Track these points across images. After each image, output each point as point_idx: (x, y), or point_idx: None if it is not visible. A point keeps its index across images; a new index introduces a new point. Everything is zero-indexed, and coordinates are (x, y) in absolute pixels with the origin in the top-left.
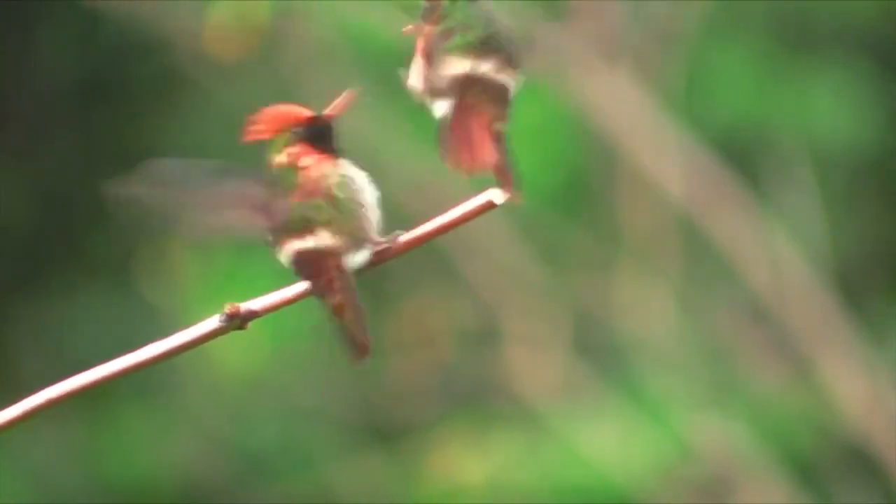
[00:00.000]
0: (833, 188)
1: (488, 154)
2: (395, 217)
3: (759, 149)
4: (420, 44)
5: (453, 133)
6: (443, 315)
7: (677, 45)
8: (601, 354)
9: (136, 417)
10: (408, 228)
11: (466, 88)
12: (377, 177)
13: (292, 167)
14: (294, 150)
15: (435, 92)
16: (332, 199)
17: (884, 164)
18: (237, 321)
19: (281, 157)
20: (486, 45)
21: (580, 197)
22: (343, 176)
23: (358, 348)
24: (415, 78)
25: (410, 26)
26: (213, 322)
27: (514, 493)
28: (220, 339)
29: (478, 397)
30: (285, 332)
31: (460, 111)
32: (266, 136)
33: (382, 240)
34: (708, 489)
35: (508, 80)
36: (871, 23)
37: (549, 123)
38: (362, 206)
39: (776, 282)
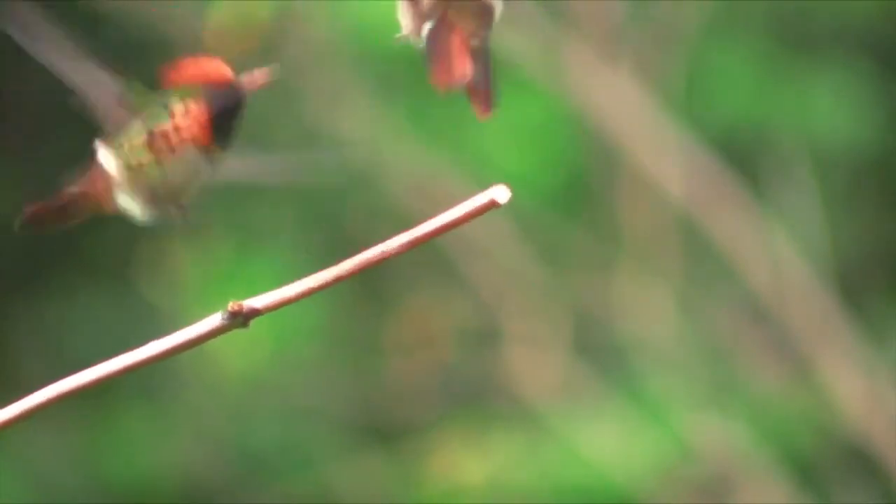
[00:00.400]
0: (833, 188)
1: (463, 69)
2: (396, 217)
3: (759, 149)
4: None
5: (430, 49)
6: (443, 315)
7: (677, 45)
8: (601, 354)
9: (136, 417)
10: (408, 228)
11: (447, 4)
12: (378, 176)
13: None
14: (187, 110)
15: (423, 20)
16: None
17: (884, 164)
18: (240, 319)
19: (172, 108)
20: None
21: (580, 197)
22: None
23: None
24: (404, 22)
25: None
26: (215, 320)
27: (514, 493)
28: (221, 338)
29: (478, 397)
30: (286, 332)
31: (438, 27)
32: (180, 83)
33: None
34: (708, 489)
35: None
36: (871, 23)
37: (549, 123)
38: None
39: (776, 282)
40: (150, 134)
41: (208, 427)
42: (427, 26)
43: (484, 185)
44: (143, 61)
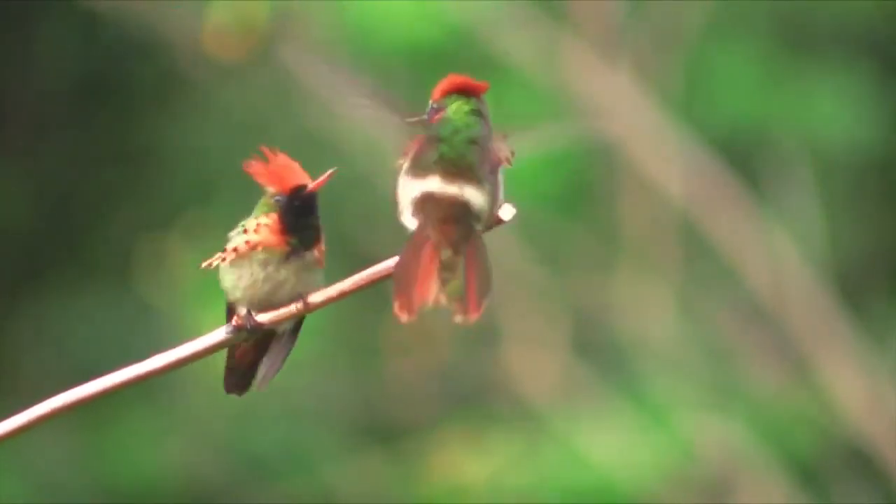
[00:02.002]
0: (833, 188)
1: (424, 296)
2: (396, 223)
3: (760, 149)
4: (409, 149)
5: (400, 275)
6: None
7: (677, 45)
8: (601, 354)
9: (139, 419)
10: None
11: (427, 209)
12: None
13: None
14: (268, 220)
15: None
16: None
17: (885, 164)
18: (243, 333)
19: (249, 223)
20: (459, 164)
21: (580, 197)
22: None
23: (238, 383)
24: (400, 194)
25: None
26: (219, 333)
27: (513, 493)
28: None
29: (478, 398)
30: None
31: (409, 249)
32: (260, 181)
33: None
34: (708, 489)
35: (461, 191)
36: (871, 23)
37: (549, 123)
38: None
39: (776, 282)
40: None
41: (209, 428)
42: (408, 222)
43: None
44: (143, 61)
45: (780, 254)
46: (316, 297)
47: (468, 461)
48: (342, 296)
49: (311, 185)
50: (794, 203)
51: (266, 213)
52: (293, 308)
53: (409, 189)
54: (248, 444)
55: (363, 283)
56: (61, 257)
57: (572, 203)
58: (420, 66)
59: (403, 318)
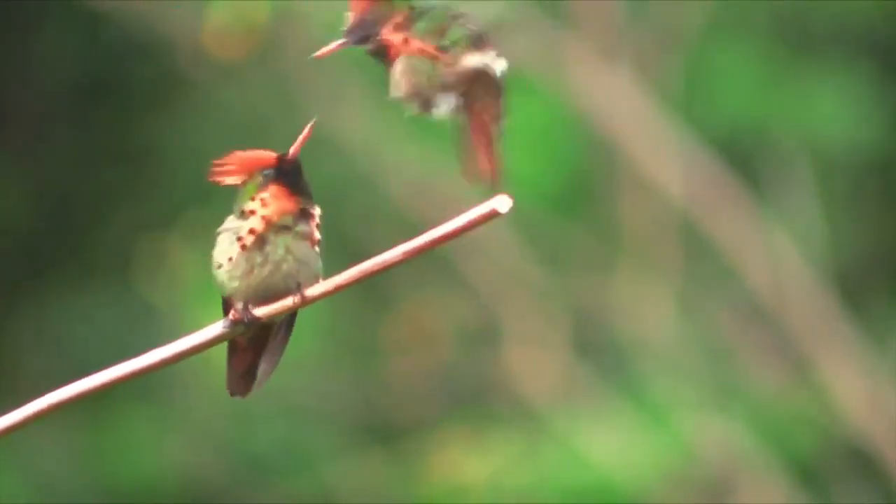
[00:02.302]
0: (833, 188)
1: (496, 163)
2: (399, 222)
3: (760, 149)
4: (398, 47)
5: (468, 147)
6: (443, 315)
7: (677, 45)
8: (601, 355)
9: (138, 419)
10: (408, 231)
11: (475, 83)
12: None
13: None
14: (272, 192)
15: (433, 91)
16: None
17: (884, 164)
18: (240, 327)
19: (257, 197)
20: (479, 39)
21: (580, 197)
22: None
23: (241, 384)
24: (399, 83)
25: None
26: (216, 328)
27: (514, 493)
28: None
29: (478, 398)
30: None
31: (471, 119)
32: (235, 179)
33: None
34: (708, 489)
35: (503, 69)
36: (871, 23)
37: (550, 124)
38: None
39: (776, 282)
40: (240, 238)
41: (209, 428)
42: (447, 103)
43: (484, 187)
44: (143, 61)
45: (780, 254)
46: (313, 291)
47: (468, 461)
48: (338, 289)
49: (291, 150)
50: (794, 203)
51: (259, 190)
52: (290, 301)
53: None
54: (248, 444)
55: (359, 276)
56: (61, 257)
57: (572, 203)
58: None
59: (475, 181)
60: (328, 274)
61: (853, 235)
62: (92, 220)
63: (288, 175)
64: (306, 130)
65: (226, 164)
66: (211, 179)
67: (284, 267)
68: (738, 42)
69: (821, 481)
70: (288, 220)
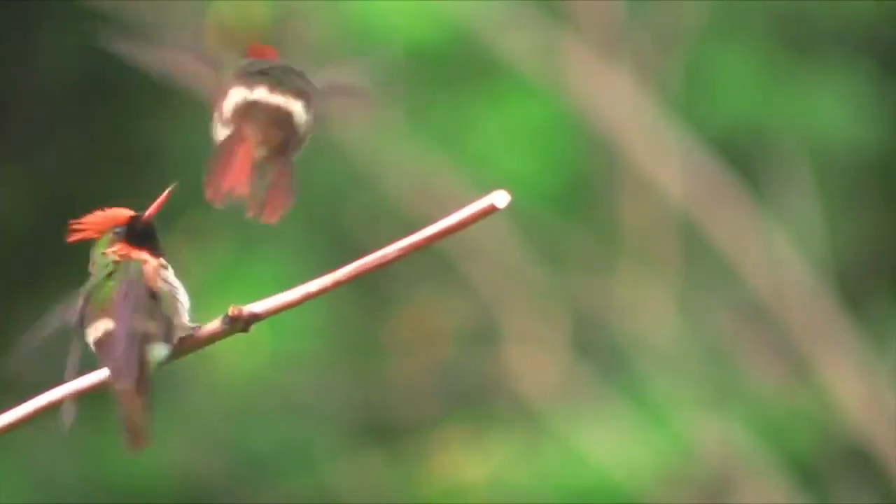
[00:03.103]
0: (833, 188)
1: (236, 182)
2: (396, 217)
3: (760, 149)
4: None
5: (213, 163)
6: (443, 315)
7: (677, 45)
8: (601, 355)
9: None
10: (408, 229)
11: (243, 114)
12: (377, 179)
13: (117, 259)
14: (117, 248)
15: (223, 124)
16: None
17: (884, 164)
18: (240, 324)
19: (108, 251)
20: (262, 75)
21: (580, 197)
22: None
23: (136, 437)
24: (216, 120)
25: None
26: (215, 325)
27: (514, 492)
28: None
29: (478, 397)
30: (286, 332)
31: (227, 140)
32: (90, 236)
33: (191, 326)
34: (708, 489)
35: (286, 102)
36: (871, 23)
37: (550, 124)
38: (177, 299)
39: (776, 282)
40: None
41: (208, 427)
42: (219, 133)
43: (484, 186)
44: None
45: (779, 254)
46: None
47: (468, 461)
48: (337, 285)
49: (147, 212)
50: (794, 203)
51: (110, 244)
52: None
53: (233, 98)
54: (248, 443)
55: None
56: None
57: (572, 203)
58: (420, 66)
59: (215, 203)
60: (327, 271)
61: (853, 235)
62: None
63: (138, 235)
64: (163, 196)
65: (82, 224)
66: (68, 240)
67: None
68: (738, 42)
69: (820, 481)
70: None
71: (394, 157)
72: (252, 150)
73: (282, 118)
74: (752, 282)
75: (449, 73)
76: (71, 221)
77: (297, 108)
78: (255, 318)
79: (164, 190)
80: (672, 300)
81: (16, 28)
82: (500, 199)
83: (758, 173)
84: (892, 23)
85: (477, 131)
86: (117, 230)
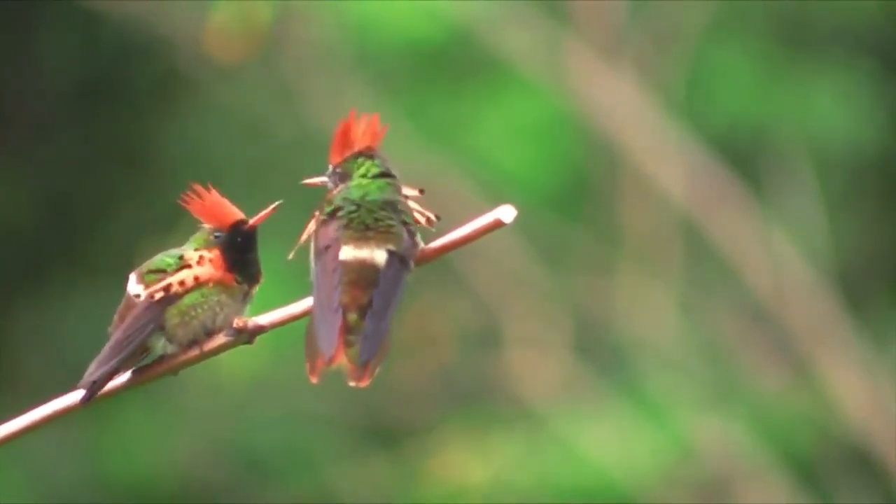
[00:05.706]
0: (833, 188)
1: (338, 358)
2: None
3: (760, 149)
4: (311, 223)
5: (310, 341)
6: (444, 317)
7: (677, 44)
8: (602, 355)
9: (138, 418)
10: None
11: (332, 272)
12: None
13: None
14: (207, 255)
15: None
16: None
17: (884, 164)
18: (245, 336)
19: (189, 255)
20: (372, 227)
21: (580, 197)
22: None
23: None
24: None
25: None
26: (220, 336)
27: (514, 493)
28: None
29: (479, 399)
30: (286, 334)
31: (319, 311)
32: (199, 217)
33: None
34: (708, 488)
35: (371, 254)
36: (871, 23)
37: (551, 124)
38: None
39: (776, 282)
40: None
41: (209, 427)
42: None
43: (484, 185)
44: (143, 62)
45: (780, 254)
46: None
47: (469, 461)
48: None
49: (251, 220)
50: (794, 203)
51: (206, 248)
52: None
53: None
54: (248, 444)
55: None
56: (61, 257)
57: (572, 203)
58: (420, 66)
59: (313, 380)
60: None
61: (853, 235)
62: (93, 220)
63: (236, 247)
64: (270, 209)
65: (201, 198)
66: (179, 203)
67: (221, 317)
68: (738, 41)
69: (821, 481)
70: (233, 293)
71: (394, 159)
72: (344, 321)
73: (367, 275)
74: (752, 282)
75: (449, 72)
76: (190, 186)
77: (381, 258)
78: (261, 329)
79: (269, 205)
80: (673, 300)
81: (16, 28)
82: (507, 213)
83: (758, 173)
84: (892, 22)
85: (476, 130)
86: (217, 234)
